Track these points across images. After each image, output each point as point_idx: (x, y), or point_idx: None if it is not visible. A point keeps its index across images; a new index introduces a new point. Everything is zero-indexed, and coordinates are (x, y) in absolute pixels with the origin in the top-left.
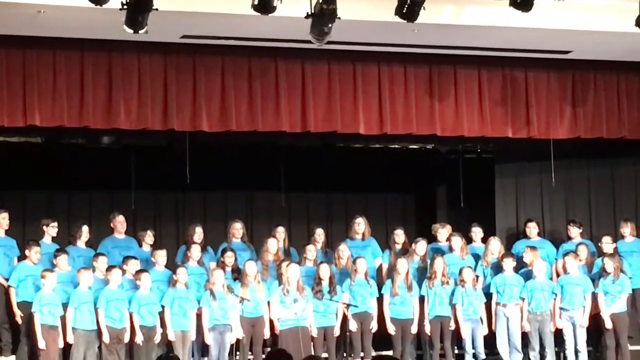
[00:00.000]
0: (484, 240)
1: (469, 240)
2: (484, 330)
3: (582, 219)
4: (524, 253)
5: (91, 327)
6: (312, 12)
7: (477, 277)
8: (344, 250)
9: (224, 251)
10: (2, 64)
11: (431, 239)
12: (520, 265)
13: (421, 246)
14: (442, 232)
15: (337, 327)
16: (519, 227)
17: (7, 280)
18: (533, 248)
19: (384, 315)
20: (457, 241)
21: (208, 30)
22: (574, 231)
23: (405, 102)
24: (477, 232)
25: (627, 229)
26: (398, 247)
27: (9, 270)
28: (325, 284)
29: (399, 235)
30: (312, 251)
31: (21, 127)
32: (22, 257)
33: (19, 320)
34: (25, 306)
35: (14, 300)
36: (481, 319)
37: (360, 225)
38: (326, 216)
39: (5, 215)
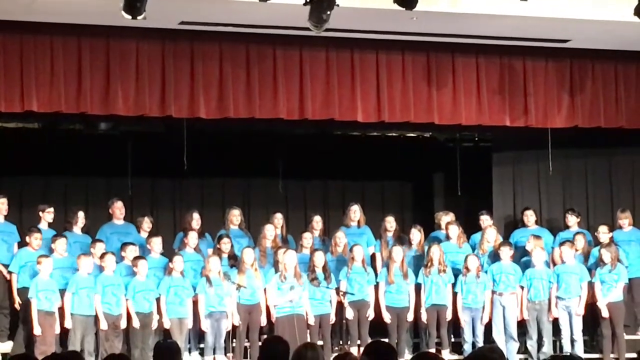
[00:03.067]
0: None
1: (472, 227)
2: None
3: (579, 208)
4: (527, 242)
5: (89, 313)
6: None
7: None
8: (340, 238)
9: (220, 238)
10: None
11: (428, 226)
12: (517, 254)
13: (415, 235)
14: (445, 219)
15: (332, 314)
16: (516, 215)
17: (5, 266)
18: (537, 237)
19: (380, 304)
20: (454, 229)
21: (206, 17)
22: (572, 220)
23: (403, 90)
24: (485, 220)
25: (624, 219)
26: (389, 234)
27: (8, 256)
28: (319, 271)
29: (390, 222)
30: (308, 238)
31: (18, 112)
32: (20, 243)
33: (18, 307)
34: (26, 292)
35: (15, 286)
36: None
37: (356, 212)
38: (323, 204)
39: (4, 200)
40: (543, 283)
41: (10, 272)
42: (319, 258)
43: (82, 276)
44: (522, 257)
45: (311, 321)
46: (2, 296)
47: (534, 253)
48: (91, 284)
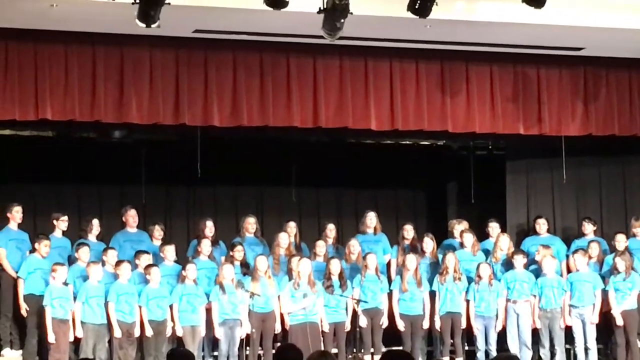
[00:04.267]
0: None
1: (484, 235)
2: (497, 327)
3: (593, 216)
4: (537, 253)
5: (100, 321)
6: (325, 7)
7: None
8: (354, 246)
9: (233, 245)
10: (14, 57)
11: (442, 234)
12: (531, 262)
13: (428, 243)
14: (459, 228)
15: (347, 322)
16: (529, 223)
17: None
18: (546, 247)
19: (394, 311)
20: (469, 237)
21: (220, 25)
22: (589, 228)
23: (417, 98)
24: (494, 227)
25: (638, 228)
26: (407, 242)
27: (21, 263)
28: (335, 279)
29: (408, 231)
30: (321, 246)
31: (33, 120)
32: (33, 251)
33: (24, 313)
34: (32, 299)
35: (21, 293)
36: (497, 316)
37: (372, 219)
38: (336, 212)
39: (19, 208)
40: (554, 291)
41: (18, 278)
42: (335, 266)
43: (92, 284)
44: (531, 265)
45: (325, 328)
46: (15, 303)
47: (544, 262)
48: (101, 293)
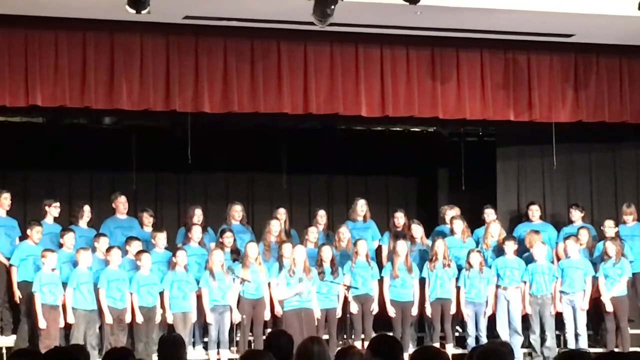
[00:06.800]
0: None
1: (476, 221)
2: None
3: (584, 202)
4: (525, 237)
5: (91, 307)
6: None
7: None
8: (344, 233)
9: (222, 232)
10: (4, 43)
11: (432, 221)
12: (522, 248)
13: (416, 229)
14: (450, 213)
15: (338, 308)
16: (520, 210)
17: (8, 259)
18: (535, 232)
19: (385, 298)
20: (459, 224)
21: (211, 11)
22: (576, 214)
23: (408, 84)
24: (489, 214)
25: (629, 215)
26: (398, 229)
27: (11, 250)
28: (326, 265)
29: (399, 218)
30: (313, 233)
31: (23, 106)
32: (23, 237)
33: (18, 301)
34: (26, 285)
35: (15, 280)
36: (487, 302)
37: (363, 207)
38: (327, 198)
39: (7, 195)
40: (545, 277)
41: (10, 266)
42: (327, 252)
43: (82, 271)
44: (525, 252)
45: (318, 315)
46: (6, 290)
47: (534, 248)
48: (91, 279)
